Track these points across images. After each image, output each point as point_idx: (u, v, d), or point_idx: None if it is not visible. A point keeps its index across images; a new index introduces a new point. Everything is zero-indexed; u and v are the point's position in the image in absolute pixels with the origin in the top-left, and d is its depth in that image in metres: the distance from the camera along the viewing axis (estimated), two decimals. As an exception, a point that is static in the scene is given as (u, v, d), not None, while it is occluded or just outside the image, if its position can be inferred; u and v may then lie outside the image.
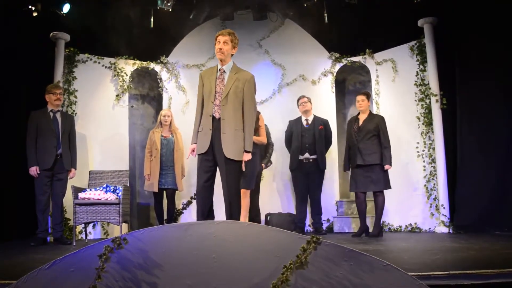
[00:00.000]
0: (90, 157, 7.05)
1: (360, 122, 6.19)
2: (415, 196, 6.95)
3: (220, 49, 4.22)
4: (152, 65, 7.77)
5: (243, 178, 5.06)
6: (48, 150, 5.72)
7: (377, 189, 5.99)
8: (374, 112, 7.11)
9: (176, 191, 6.79)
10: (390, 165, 5.97)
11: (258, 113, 5.48)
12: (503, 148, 6.06)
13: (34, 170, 5.64)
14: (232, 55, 4.34)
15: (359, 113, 6.31)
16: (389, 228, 7.18)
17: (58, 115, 5.91)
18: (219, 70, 4.27)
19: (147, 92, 8.11)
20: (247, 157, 4.12)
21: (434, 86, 6.76)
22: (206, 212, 4.24)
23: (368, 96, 6.33)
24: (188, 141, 7.21)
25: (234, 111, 4.13)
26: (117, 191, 5.85)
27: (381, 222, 6.23)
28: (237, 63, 4.57)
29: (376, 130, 6.06)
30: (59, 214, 5.89)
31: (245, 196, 5.30)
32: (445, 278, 2.61)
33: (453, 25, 6.61)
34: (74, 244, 5.65)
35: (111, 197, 5.74)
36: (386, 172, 6.00)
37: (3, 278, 2.69)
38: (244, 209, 5.27)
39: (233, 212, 4.18)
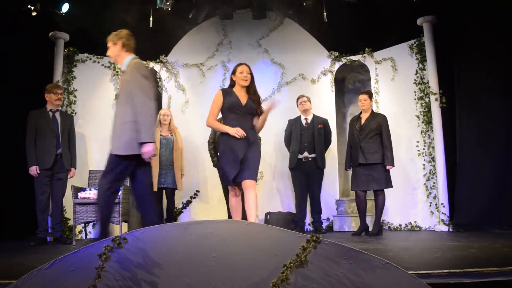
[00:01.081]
0: (90, 157, 7.05)
1: (362, 121, 6.19)
2: (415, 194, 6.96)
3: (108, 56, 4.16)
4: (151, 64, 7.77)
5: (246, 169, 4.31)
6: (47, 150, 5.72)
7: (378, 187, 6.00)
8: (374, 110, 7.12)
9: (176, 191, 6.79)
10: (392, 165, 5.97)
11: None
12: (503, 147, 6.07)
13: (34, 170, 5.64)
14: (126, 50, 4.12)
15: (361, 112, 6.31)
16: (389, 227, 7.19)
17: (57, 115, 5.91)
18: (120, 72, 4.16)
19: (147, 92, 8.10)
20: (146, 148, 3.71)
21: (434, 85, 6.77)
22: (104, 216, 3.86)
23: (371, 95, 6.33)
24: (187, 140, 7.25)
25: (123, 105, 3.88)
26: (117, 190, 5.85)
27: (381, 220, 6.23)
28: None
29: (378, 129, 6.06)
30: (59, 214, 5.89)
31: (253, 188, 4.31)
32: (445, 276, 2.61)
33: (452, 23, 6.62)
34: (74, 243, 5.65)
35: (110, 196, 5.74)
36: (387, 171, 6.00)
37: (3, 278, 2.68)
38: (255, 204, 4.32)
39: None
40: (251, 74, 4.51)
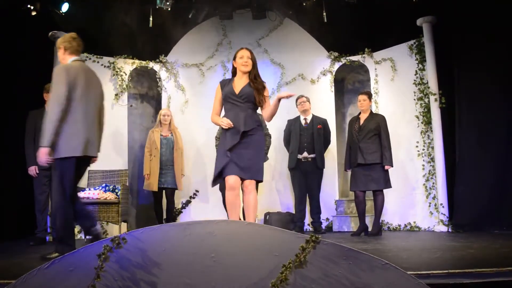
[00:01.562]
0: (89, 157, 7.04)
1: (361, 122, 6.19)
2: (414, 195, 6.96)
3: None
4: (151, 64, 7.77)
5: (243, 168, 3.97)
6: (46, 150, 5.71)
7: (377, 188, 6.00)
8: (373, 111, 7.11)
9: (175, 191, 6.79)
10: (391, 165, 5.98)
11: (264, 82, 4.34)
12: (502, 147, 6.07)
13: (32, 170, 5.64)
14: (69, 53, 4.12)
15: (360, 113, 6.32)
16: (388, 227, 7.19)
17: (56, 114, 5.90)
18: None
19: (146, 92, 8.11)
20: (40, 153, 3.81)
21: (433, 85, 6.76)
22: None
23: (370, 96, 6.34)
24: (186, 140, 7.25)
25: None
26: (116, 190, 5.85)
27: (380, 221, 6.23)
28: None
29: (377, 129, 6.06)
30: (58, 214, 5.88)
31: (250, 190, 4.02)
32: (444, 277, 2.61)
33: (452, 24, 6.62)
34: (73, 243, 5.64)
35: (110, 196, 5.74)
36: (386, 171, 6.01)
37: (2, 278, 2.68)
38: (253, 207, 4.03)
39: (56, 223, 3.95)
40: (253, 59, 4.22)
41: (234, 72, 4.30)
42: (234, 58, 4.26)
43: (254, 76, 4.21)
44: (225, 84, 4.23)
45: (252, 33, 7.98)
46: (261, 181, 4.15)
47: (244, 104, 4.12)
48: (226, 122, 4.03)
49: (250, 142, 4.06)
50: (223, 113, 4.28)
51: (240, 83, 4.18)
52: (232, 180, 3.98)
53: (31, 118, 5.77)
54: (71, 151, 3.89)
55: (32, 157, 5.68)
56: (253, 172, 4.03)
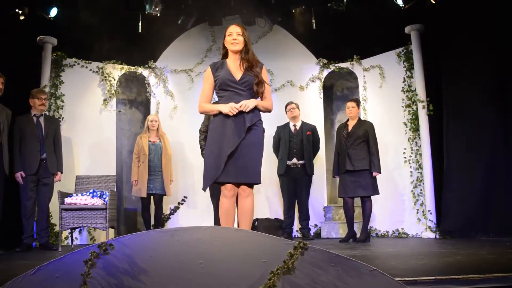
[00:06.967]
0: (77, 162, 7.00)
1: (349, 128, 6.21)
2: (402, 201, 6.99)
3: None
4: (140, 70, 7.74)
5: (240, 168, 3.56)
6: (32, 155, 5.68)
7: (365, 194, 6.02)
8: (362, 118, 7.14)
9: (164, 196, 6.76)
10: (379, 172, 6.00)
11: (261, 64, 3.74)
12: (489, 154, 6.12)
13: (19, 176, 5.60)
14: None
15: (348, 119, 6.34)
16: (376, 234, 7.21)
17: (41, 119, 5.87)
18: None
19: (135, 97, 8.07)
20: None
21: (421, 93, 6.82)
22: None
23: (358, 103, 6.37)
24: (174, 146, 7.22)
25: None
26: (104, 196, 5.80)
27: (369, 227, 6.24)
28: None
29: (365, 136, 6.09)
30: (45, 220, 5.83)
31: (249, 193, 3.76)
32: (431, 283, 2.61)
33: (439, 32, 6.67)
34: (59, 249, 5.59)
35: (97, 202, 5.69)
36: (374, 178, 6.03)
37: (-14, 285, 2.65)
38: (249, 214, 3.80)
39: None
40: (244, 36, 3.63)
41: (225, 54, 3.74)
42: (224, 37, 3.69)
43: (248, 59, 3.62)
44: (218, 68, 3.65)
45: (242, 40, 7.98)
46: (259, 183, 3.77)
47: (246, 92, 3.59)
48: (233, 106, 3.46)
49: (250, 139, 3.57)
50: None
51: (235, 67, 3.63)
52: (229, 187, 3.60)
53: (18, 123, 5.72)
54: None
55: (18, 163, 5.64)
56: (251, 174, 3.64)
